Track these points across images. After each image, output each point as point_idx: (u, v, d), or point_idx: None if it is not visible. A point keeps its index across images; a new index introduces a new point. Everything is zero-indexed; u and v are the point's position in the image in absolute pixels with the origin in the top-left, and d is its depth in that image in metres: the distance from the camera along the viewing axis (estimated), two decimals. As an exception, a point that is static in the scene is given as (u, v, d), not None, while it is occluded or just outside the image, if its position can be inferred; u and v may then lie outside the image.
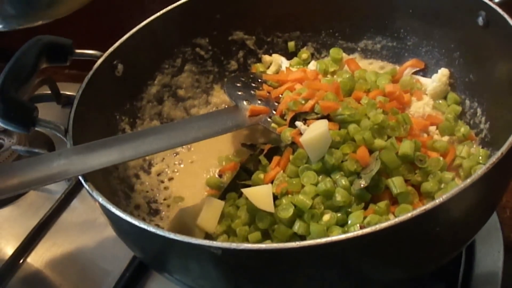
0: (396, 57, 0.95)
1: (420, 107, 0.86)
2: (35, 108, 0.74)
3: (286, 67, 0.95)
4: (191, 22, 0.94)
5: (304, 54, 0.98)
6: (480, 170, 0.58)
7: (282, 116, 0.83)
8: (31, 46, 0.78)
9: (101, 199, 0.65)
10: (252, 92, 0.89)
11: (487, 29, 0.77)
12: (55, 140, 1.09)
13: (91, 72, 0.81)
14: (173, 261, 0.66)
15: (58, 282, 0.88)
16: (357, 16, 0.95)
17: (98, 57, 0.83)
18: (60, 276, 0.89)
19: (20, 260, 0.91)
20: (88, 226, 0.93)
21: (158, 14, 0.90)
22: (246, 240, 0.74)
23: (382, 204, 0.71)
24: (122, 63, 0.86)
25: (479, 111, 0.83)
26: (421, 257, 0.63)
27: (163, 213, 0.85)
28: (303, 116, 0.80)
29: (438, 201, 0.55)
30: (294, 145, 0.78)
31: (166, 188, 0.89)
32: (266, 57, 0.99)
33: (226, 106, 0.98)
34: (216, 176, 0.88)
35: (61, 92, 1.09)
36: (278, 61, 0.97)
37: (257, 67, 0.98)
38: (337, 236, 0.54)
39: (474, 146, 0.81)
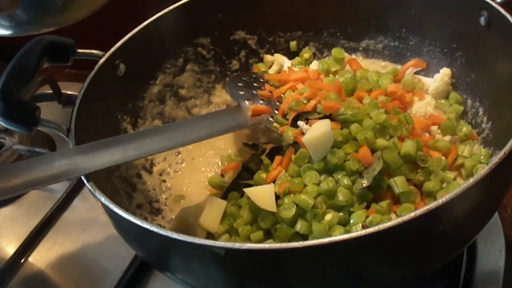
0: (398, 56, 0.95)
1: (422, 107, 0.86)
2: (37, 107, 0.74)
3: (288, 67, 0.95)
4: (193, 21, 0.94)
5: (306, 53, 0.98)
6: (483, 170, 0.58)
7: (284, 115, 0.83)
8: (33, 46, 0.78)
9: (103, 199, 0.65)
10: (254, 91, 0.89)
11: (489, 29, 0.78)
12: (56, 140, 1.09)
13: (93, 72, 0.81)
14: (176, 260, 0.66)
15: (59, 282, 0.88)
16: (359, 15, 0.95)
17: (100, 57, 0.83)
18: (61, 275, 0.89)
19: (21, 260, 0.91)
20: (89, 225, 0.93)
21: (160, 13, 0.90)
22: (248, 239, 0.74)
23: (384, 204, 0.71)
24: (124, 62, 0.86)
25: (480, 110, 0.83)
26: (424, 256, 0.63)
27: (165, 212, 0.85)
28: (305, 115, 0.80)
29: (441, 200, 0.55)
30: (296, 145, 0.78)
31: (168, 187, 0.89)
32: (268, 57, 0.99)
33: (228, 106, 0.98)
34: (218, 175, 0.88)
35: (62, 91, 1.09)
36: (280, 60, 0.97)
37: (259, 67, 0.99)
38: (340, 236, 0.54)
39: (476, 145, 0.81)
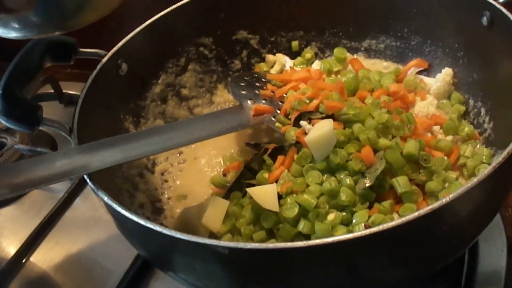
0: (400, 56, 0.95)
1: (424, 107, 0.86)
2: (39, 107, 0.74)
3: (290, 67, 0.95)
4: (195, 21, 0.94)
5: (308, 53, 0.98)
6: (486, 170, 0.58)
7: (287, 115, 0.83)
8: (35, 45, 0.78)
9: (106, 198, 0.65)
10: (256, 91, 0.89)
11: (491, 29, 0.78)
12: (57, 139, 1.09)
13: (95, 71, 0.81)
14: (179, 260, 0.66)
15: (61, 281, 0.88)
16: (360, 15, 0.95)
17: (102, 56, 0.83)
18: (63, 275, 0.89)
19: (23, 260, 0.91)
20: (91, 225, 0.93)
21: (162, 13, 0.90)
22: (251, 239, 0.74)
23: (387, 203, 0.71)
24: (126, 62, 0.86)
25: (483, 110, 0.83)
26: (426, 256, 0.64)
27: (167, 212, 0.85)
28: (307, 115, 0.80)
29: (444, 200, 0.56)
30: (298, 145, 0.78)
31: (170, 187, 0.89)
32: (270, 57, 0.99)
33: (230, 106, 0.98)
34: (221, 175, 0.88)
35: (64, 91, 1.09)
36: (281, 60, 0.97)
37: (261, 67, 0.99)
38: (343, 235, 0.54)
39: (478, 145, 0.81)
